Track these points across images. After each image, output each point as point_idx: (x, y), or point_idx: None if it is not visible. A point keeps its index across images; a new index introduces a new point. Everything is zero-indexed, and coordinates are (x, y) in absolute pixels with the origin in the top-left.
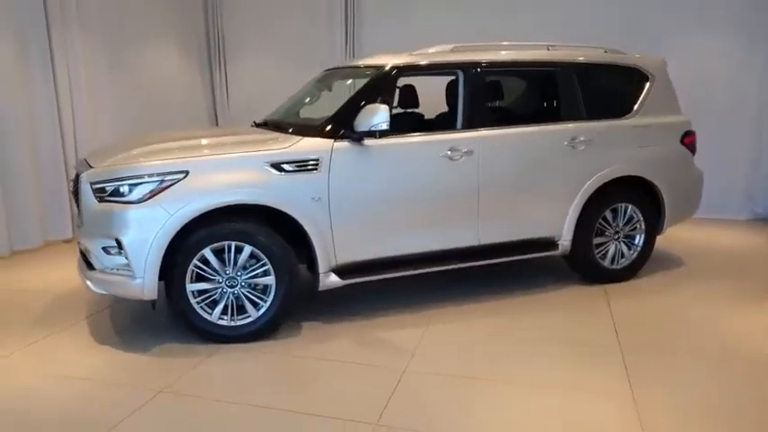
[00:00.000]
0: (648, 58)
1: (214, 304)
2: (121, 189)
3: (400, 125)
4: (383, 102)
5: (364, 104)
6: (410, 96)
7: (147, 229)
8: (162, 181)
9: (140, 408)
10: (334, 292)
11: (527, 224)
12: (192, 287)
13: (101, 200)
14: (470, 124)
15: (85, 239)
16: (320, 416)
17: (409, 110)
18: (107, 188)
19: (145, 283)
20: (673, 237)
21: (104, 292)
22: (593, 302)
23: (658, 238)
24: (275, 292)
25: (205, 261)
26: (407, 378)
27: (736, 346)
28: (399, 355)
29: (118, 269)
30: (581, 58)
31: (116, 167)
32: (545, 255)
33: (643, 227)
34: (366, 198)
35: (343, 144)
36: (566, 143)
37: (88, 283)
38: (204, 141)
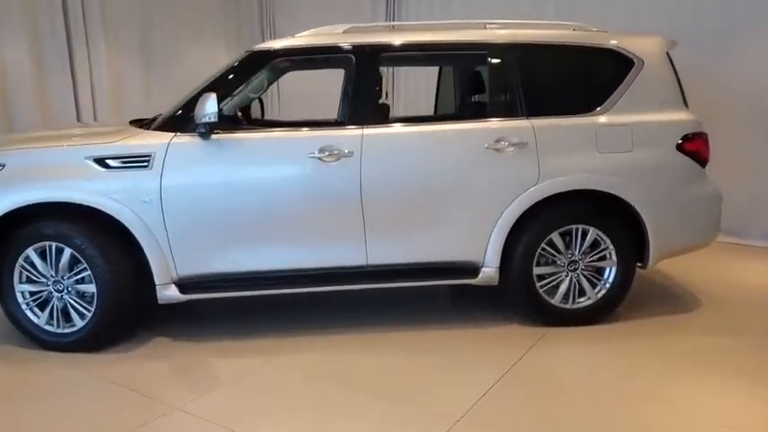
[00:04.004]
0: (637, 38)
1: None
2: None
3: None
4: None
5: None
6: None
7: None
8: None
9: None
10: (211, 306)
11: (432, 245)
12: (20, 287)
13: None
14: (354, 120)
15: None
16: None
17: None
18: None
19: None
20: (708, 268)
21: None
22: (508, 350)
23: (679, 267)
24: (97, 302)
25: (31, 261)
26: (166, 420)
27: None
28: (196, 389)
29: None
30: (525, 39)
31: None
32: (460, 283)
33: (614, 257)
34: (210, 203)
35: (184, 139)
36: (487, 146)
37: None
38: (50, 134)
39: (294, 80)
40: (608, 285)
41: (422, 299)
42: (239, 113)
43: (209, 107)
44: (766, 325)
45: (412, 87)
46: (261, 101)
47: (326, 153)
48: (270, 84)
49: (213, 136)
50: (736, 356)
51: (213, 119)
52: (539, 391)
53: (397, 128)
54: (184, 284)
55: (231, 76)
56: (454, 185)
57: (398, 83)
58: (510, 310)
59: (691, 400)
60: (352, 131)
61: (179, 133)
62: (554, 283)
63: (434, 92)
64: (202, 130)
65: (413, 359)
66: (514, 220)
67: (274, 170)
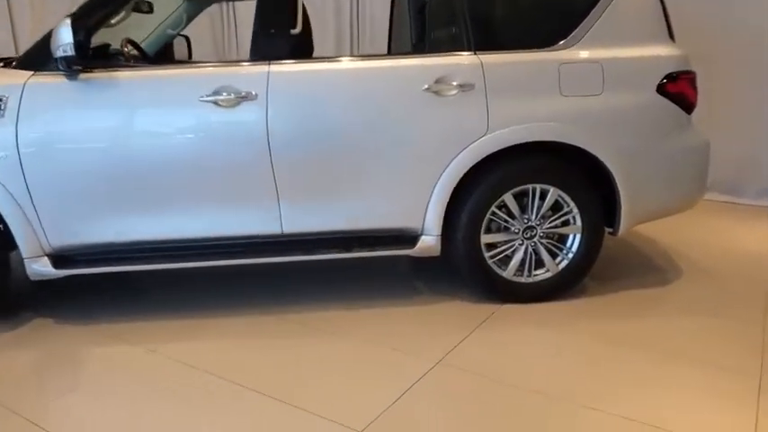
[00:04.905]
0: None
1: None
2: None
3: None
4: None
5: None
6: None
7: None
8: None
9: None
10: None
11: (360, 209)
12: None
13: None
14: (259, 55)
15: None
16: None
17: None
18: None
19: None
20: (695, 232)
21: None
22: (446, 333)
23: (662, 230)
24: None
25: None
26: None
27: None
28: (51, 389)
29: None
30: None
31: None
32: (394, 254)
33: (578, 222)
34: (81, 158)
35: (45, 79)
36: (425, 88)
37: None
38: None
39: None
40: (571, 255)
41: (353, 269)
42: (127, 48)
43: (64, 37)
44: (753, 302)
45: (378, 19)
46: (187, 39)
47: (223, 95)
48: (189, 18)
49: (83, 75)
50: (708, 342)
51: (69, 51)
52: (471, 387)
53: (314, 65)
54: (59, 257)
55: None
56: (385, 136)
57: (363, 14)
58: (458, 282)
59: (643, 403)
60: (255, 68)
61: (39, 72)
62: (507, 252)
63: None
64: (63, 67)
65: (328, 347)
66: (459, 179)
67: (159, 117)
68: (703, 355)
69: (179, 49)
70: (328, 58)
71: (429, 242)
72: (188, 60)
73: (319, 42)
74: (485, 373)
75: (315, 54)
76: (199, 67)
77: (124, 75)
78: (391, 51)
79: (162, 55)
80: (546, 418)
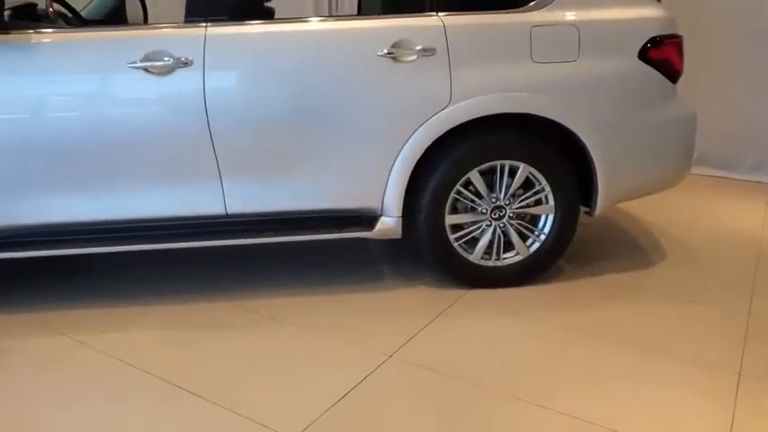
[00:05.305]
0: None
1: None
2: None
3: None
4: None
5: None
6: None
7: None
8: None
9: None
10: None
11: (312, 188)
12: None
13: None
14: (195, 14)
15: None
16: None
17: None
18: None
19: None
20: (682, 209)
21: None
22: (406, 322)
23: (648, 207)
24: None
25: None
26: None
27: None
28: None
29: None
30: None
31: None
32: (351, 237)
33: (551, 202)
34: None
35: None
36: (382, 53)
37: None
38: None
39: None
40: (543, 237)
41: (313, 252)
42: (53, 8)
43: None
44: (739, 287)
45: None
46: (142, 1)
47: (154, 62)
48: None
49: None
50: (688, 333)
51: None
52: (423, 385)
53: (256, 27)
54: None
55: None
56: (337, 107)
57: None
58: (425, 264)
59: (608, 403)
60: (190, 31)
61: None
62: (474, 234)
63: None
64: None
65: (273, 339)
66: (420, 155)
67: (82, 86)
68: (681, 347)
69: (133, 11)
70: (274, 19)
71: (389, 223)
72: (121, 23)
73: (297, 3)
74: (439, 369)
75: (283, 15)
76: (129, 29)
77: (45, 38)
78: (361, 13)
79: (111, 17)
80: (497, 420)
